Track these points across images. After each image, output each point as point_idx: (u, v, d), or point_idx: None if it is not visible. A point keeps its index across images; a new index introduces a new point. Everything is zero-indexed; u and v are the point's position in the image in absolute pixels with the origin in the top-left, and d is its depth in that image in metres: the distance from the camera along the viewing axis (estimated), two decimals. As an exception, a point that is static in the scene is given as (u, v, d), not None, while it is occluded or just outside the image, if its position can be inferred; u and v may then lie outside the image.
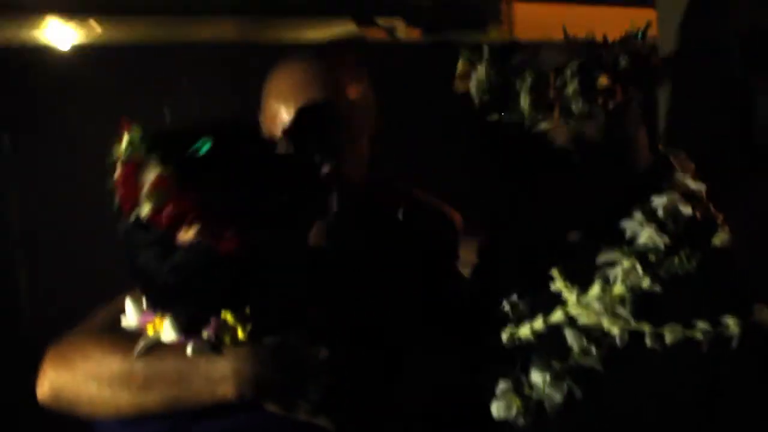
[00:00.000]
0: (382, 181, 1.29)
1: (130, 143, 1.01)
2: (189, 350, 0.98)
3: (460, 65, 1.06)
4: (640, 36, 1.09)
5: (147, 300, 1.04)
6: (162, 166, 0.96)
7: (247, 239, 0.94)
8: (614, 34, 1.12)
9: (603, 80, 1.03)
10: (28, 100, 1.94)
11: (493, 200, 1.15)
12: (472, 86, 1.06)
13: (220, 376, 1.01)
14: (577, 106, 1.02)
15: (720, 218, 1.08)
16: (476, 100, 1.06)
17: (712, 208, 1.09)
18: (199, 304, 1.05)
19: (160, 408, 1.04)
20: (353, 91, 1.22)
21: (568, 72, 1.01)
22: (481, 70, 1.05)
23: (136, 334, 1.07)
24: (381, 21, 5.91)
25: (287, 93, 1.22)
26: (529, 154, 1.06)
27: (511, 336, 1.10)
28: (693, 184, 1.08)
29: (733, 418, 0.98)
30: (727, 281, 1.04)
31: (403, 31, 5.93)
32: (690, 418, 0.99)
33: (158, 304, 1.05)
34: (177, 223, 0.94)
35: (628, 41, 1.07)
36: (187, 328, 1.05)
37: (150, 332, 1.05)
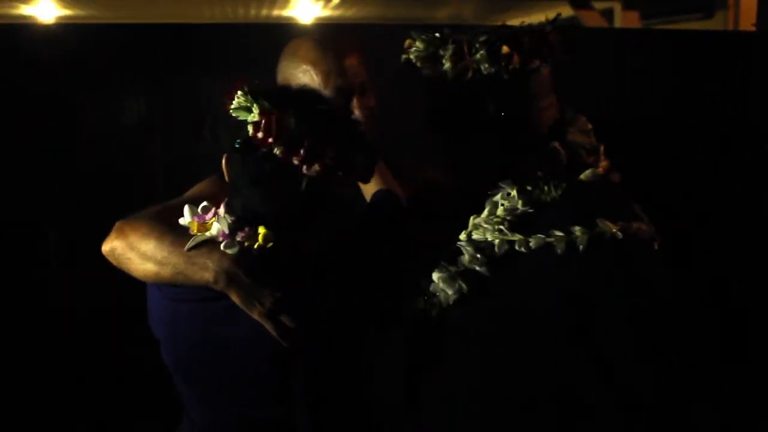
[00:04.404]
0: None
1: (244, 99, 1.28)
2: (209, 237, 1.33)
3: (407, 42, 1.43)
4: (550, 22, 1.50)
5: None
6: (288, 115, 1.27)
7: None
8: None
9: (504, 48, 1.32)
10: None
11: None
12: (412, 55, 1.42)
13: (208, 266, 1.33)
14: (485, 68, 1.49)
15: (602, 163, 1.40)
16: (417, 65, 1.43)
17: (594, 156, 1.40)
18: (251, 211, 1.33)
19: (175, 281, 1.38)
20: (351, 64, 1.58)
21: (477, 43, 1.49)
22: (418, 44, 1.42)
23: (185, 229, 1.40)
24: (597, 5, 5.99)
25: (303, 62, 1.59)
26: (448, 105, 1.54)
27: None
28: (579, 138, 1.50)
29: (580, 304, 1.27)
30: (580, 203, 1.33)
31: (620, 15, 5.95)
32: (551, 306, 1.29)
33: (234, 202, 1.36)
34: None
35: (531, 26, 1.38)
36: (231, 229, 1.34)
37: (194, 230, 1.37)
